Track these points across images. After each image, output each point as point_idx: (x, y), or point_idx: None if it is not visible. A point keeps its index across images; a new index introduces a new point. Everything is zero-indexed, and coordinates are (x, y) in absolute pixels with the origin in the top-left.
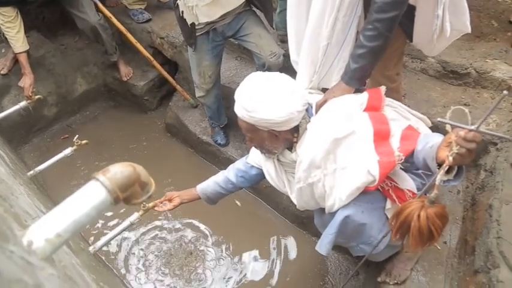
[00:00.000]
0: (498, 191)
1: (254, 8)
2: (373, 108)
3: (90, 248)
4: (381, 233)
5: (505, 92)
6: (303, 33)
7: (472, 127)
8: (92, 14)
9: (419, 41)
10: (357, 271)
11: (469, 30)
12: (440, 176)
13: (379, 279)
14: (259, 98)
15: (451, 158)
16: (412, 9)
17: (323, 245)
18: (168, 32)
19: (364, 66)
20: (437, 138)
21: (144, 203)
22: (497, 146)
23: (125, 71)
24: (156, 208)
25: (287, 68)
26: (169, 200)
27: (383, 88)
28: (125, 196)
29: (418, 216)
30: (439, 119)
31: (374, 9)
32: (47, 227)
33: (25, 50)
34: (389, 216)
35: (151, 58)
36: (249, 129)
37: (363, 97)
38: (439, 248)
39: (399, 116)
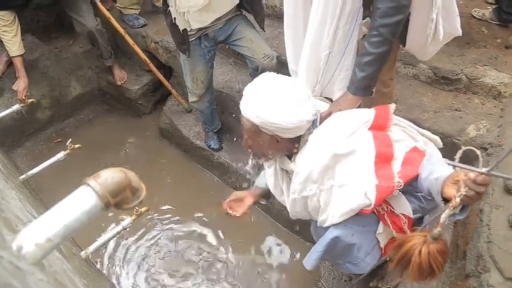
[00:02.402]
0: (488, 196)
1: (245, 12)
2: (379, 127)
3: (82, 253)
4: (368, 256)
5: None
6: (301, 42)
7: (483, 170)
8: (90, 18)
9: (413, 45)
10: (349, 276)
11: (460, 33)
12: (445, 215)
13: (371, 285)
14: (270, 99)
15: (458, 199)
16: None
17: (310, 261)
18: (163, 36)
19: (371, 74)
20: (443, 168)
21: (137, 208)
22: (487, 151)
23: (120, 75)
24: (232, 213)
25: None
26: (242, 200)
27: (392, 106)
28: (116, 201)
29: (420, 251)
30: (448, 162)
31: (378, 15)
32: (37, 232)
33: (21, 53)
34: (380, 239)
35: (148, 61)
36: (250, 130)
37: (370, 114)
38: None
39: (406, 137)
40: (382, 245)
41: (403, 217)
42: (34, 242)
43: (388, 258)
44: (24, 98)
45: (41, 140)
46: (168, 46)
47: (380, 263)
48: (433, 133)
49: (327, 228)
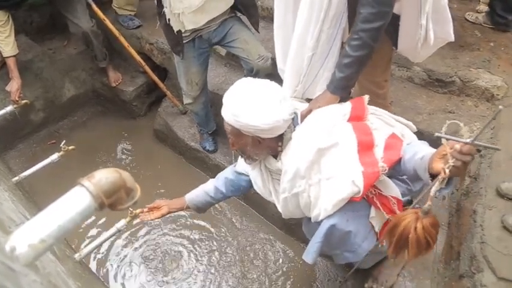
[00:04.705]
0: (482, 197)
1: (239, 14)
2: (356, 118)
3: (76, 255)
4: (365, 241)
5: (500, 107)
6: (290, 42)
7: (468, 140)
8: (85, 20)
9: (404, 48)
10: (344, 277)
11: (453, 39)
12: (435, 187)
13: (366, 286)
14: (246, 103)
15: (447, 171)
16: (396, 18)
17: (309, 254)
18: (158, 38)
19: (349, 76)
20: (425, 148)
21: (131, 210)
22: (480, 153)
23: (114, 76)
24: (142, 217)
25: (275, 76)
26: (157, 209)
27: (366, 97)
28: (110, 202)
29: (415, 228)
30: (436, 134)
31: (359, 20)
32: (31, 233)
33: (14, 54)
34: (374, 224)
35: (143, 62)
36: (233, 133)
37: (347, 107)
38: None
39: (383, 124)
40: (377, 229)
41: (391, 198)
42: (27, 243)
43: (384, 255)
44: (17, 99)
45: (34, 142)
46: (163, 47)
47: (378, 260)
48: (428, 135)
49: (320, 223)
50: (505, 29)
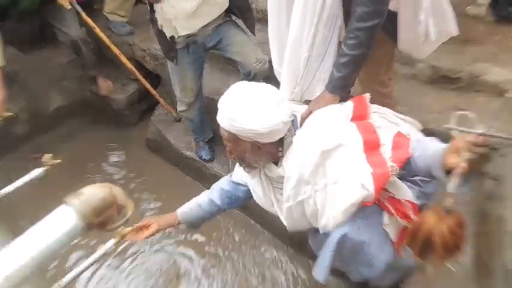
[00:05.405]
0: (507, 200)
1: (234, 18)
2: (359, 117)
3: (55, 286)
4: (381, 252)
5: None
6: (285, 44)
7: (480, 131)
8: (75, 27)
9: (406, 45)
10: None
11: (457, 33)
12: (453, 183)
13: None
14: (243, 106)
15: (464, 165)
16: (393, 15)
17: (320, 270)
18: (150, 44)
19: (347, 75)
20: (436, 143)
21: (122, 227)
22: (501, 152)
23: (104, 84)
24: (129, 237)
25: (272, 79)
26: (146, 227)
27: (367, 95)
28: (100, 221)
29: (440, 231)
30: (445, 125)
31: (354, 19)
32: (7, 261)
33: (2, 65)
34: (388, 231)
35: (135, 71)
36: (230, 139)
37: (348, 106)
38: (453, 270)
39: (387, 123)
40: (392, 238)
41: (405, 202)
42: (3, 274)
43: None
44: (2, 111)
45: (18, 156)
46: (156, 54)
47: (396, 278)
48: (441, 134)
49: (328, 235)
50: (509, 21)
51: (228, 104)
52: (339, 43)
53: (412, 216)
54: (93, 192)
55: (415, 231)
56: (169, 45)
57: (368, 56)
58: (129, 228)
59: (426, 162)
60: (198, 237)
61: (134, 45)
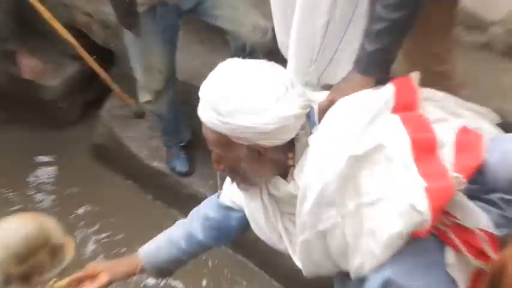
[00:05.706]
0: None
1: None
2: (404, 106)
3: None
4: None
5: None
6: (294, 2)
7: None
8: None
9: None
10: None
11: None
12: None
13: None
14: (237, 95)
15: None
16: None
17: None
18: (98, 6)
19: (386, 47)
20: None
21: (55, 279)
22: None
23: (29, 64)
24: None
25: (277, 55)
26: (92, 278)
27: (415, 75)
28: (23, 271)
29: None
30: None
31: None
32: None
33: None
34: (455, 276)
35: (76, 44)
36: (218, 143)
37: (387, 92)
38: None
39: (447, 115)
40: (460, 285)
41: (479, 232)
42: None
43: None
44: None
45: None
46: (107, 20)
47: None
48: None
49: (363, 281)
50: None
51: (215, 91)
52: (372, 1)
53: (490, 253)
54: (12, 229)
55: (496, 277)
56: (127, 7)
57: (416, 20)
58: (65, 281)
59: (509, 172)
60: (174, 283)
61: (74, 8)
